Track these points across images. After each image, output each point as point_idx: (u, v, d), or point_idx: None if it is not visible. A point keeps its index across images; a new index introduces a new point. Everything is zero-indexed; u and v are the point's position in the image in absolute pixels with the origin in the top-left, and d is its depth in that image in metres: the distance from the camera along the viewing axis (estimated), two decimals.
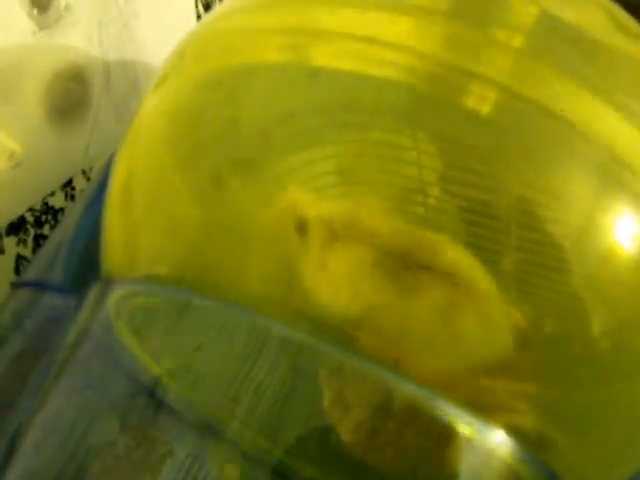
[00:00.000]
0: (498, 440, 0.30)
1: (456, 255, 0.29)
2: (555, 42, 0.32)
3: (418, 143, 0.29)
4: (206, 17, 0.38)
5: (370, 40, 0.31)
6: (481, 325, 0.29)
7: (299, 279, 0.30)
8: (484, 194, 0.29)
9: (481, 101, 0.29)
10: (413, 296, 0.29)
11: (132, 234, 0.35)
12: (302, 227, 0.30)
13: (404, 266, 0.29)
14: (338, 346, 0.29)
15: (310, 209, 0.30)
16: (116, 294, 0.34)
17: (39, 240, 0.52)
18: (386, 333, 0.29)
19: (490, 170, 0.29)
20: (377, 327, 0.29)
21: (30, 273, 0.45)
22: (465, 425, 0.29)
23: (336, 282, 0.30)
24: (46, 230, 0.53)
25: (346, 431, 0.33)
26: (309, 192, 0.30)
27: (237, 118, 0.32)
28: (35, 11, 0.48)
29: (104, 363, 0.36)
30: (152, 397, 0.36)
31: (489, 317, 0.29)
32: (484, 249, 0.29)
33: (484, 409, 0.29)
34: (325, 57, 0.31)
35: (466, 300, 0.29)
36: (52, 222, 0.53)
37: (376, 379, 0.30)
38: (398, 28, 0.31)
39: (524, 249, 0.29)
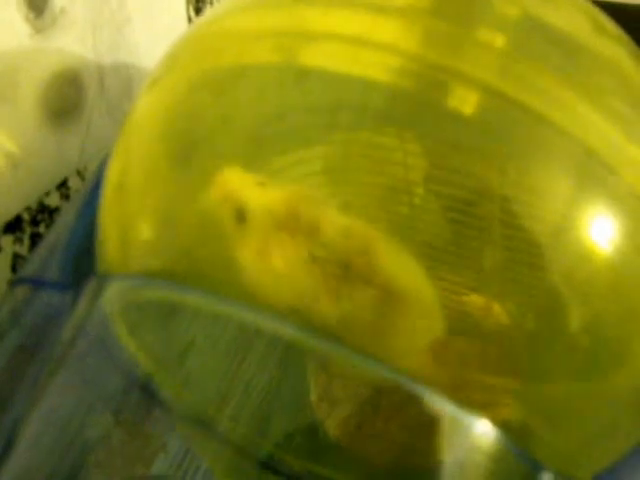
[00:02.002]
0: (482, 431, 0.30)
1: (394, 266, 0.29)
2: (536, 42, 0.32)
3: (404, 143, 0.30)
4: (197, 20, 0.39)
5: (357, 41, 0.31)
6: (415, 328, 0.30)
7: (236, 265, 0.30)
8: (468, 193, 0.29)
9: (465, 101, 0.30)
10: (348, 299, 0.29)
11: (126, 230, 0.35)
12: (241, 215, 0.30)
13: (341, 271, 0.29)
14: (326, 340, 0.29)
15: (250, 196, 0.30)
16: (111, 290, 0.34)
17: (35, 239, 0.52)
18: (323, 328, 0.29)
19: (474, 169, 0.29)
20: (313, 322, 0.29)
21: (27, 270, 0.45)
22: (450, 416, 0.30)
23: (273, 273, 0.30)
24: (42, 229, 0.53)
25: (333, 425, 0.34)
26: (250, 177, 0.30)
27: (228, 118, 0.32)
28: (31, 15, 0.48)
29: (99, 358, 0.36)
30: (146, 392, 0.36)
31: (423, 322, 0.29)
32: (467, 247, 0.29)
33: (468, 402, 0.30)
34: (313, 58, 0.32)
35: (399, 308, 0.29)
36: (48, 221, 0.53)
37: (362, 372, 0.31)
38: (384, 29, 0.32)
39: (507, 247, 0.29)
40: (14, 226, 0.51)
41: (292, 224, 0.29)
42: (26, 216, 0.51)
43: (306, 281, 0.29)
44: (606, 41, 0.34)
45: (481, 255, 0.29)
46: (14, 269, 0.51)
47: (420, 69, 0.31)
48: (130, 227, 0.35)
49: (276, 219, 0.29)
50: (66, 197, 0.55)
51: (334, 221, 0.29)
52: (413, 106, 0.30)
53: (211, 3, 0.69)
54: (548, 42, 0.32)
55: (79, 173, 0.56)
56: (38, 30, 0.49)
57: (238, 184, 0.30)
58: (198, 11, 0.68)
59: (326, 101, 0.31)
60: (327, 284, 0.29)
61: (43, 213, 0.53)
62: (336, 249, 0.29)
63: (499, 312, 0.29)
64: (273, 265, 0.29)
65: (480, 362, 0.30)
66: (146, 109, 0.36)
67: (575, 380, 0.31)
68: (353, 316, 0.29)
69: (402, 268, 0.29)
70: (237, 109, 0.32)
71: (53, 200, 0.54)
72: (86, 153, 0.56)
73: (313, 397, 0.34)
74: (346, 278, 0.29)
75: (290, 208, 0.29)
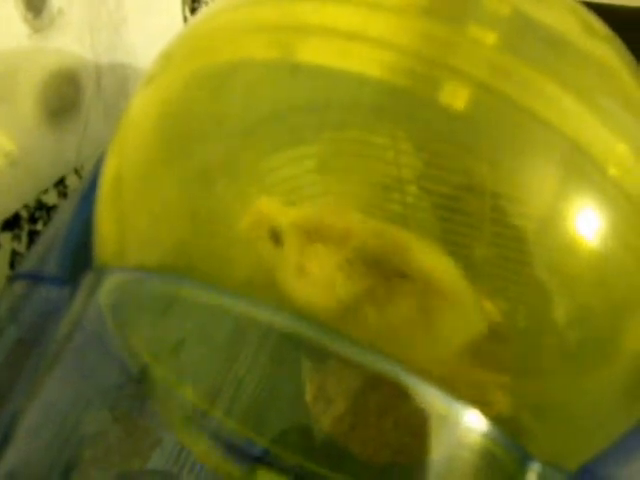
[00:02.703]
0: (473, 423, 0.30)
1: (429, 262, 0.29)
2: (527, 40, 0.33)
3: (396, 140, 0.30)
4: (192, 19, 0.39)
5: (350, 36, 0.31)
6: (454, 324, 0.30)
7: (280, 284, 0.30)
8: (459, 191, 0.29)
9: (456, 97, 0.30)
10: (388, 300, 0.29)
11: (123, 225, 0.35)
12: (276, 237, 0.30)
13: (378, 272, 0.29)
14: (321, 331, 0.30)
15: (281, 217, 0.30)
16: (108, 283, 0.34)
17: (33, 236, 0.52)
18: (363, 332, 0.29)
19: (465, 166, 0.30)
20: (353, 327, 0.29)
21: (25, 266, 0.45)
22: (442, 410, 0.30)
23: (314, 284, 0.30)
24: (40, 226, 0.53)
25: (328, 423, 0.34)
26: (279, 199, 0.30)
27: (221, 116, 0.32)
28: (30, 15, 0.48)
29: (97, 352, 0.36)
30: (143, 386, 0.37)
31: (462, 317, 0.30)
32: (458, 245, 0.29)
33: (459, 396, 0.30)
34: (307, 53, 0.32)
35: (438, 303, 0.29)
36: (46, 219, 0.53)
37: (357, 365, 0.31)
38: (378, 25, 0.32)
39: (497, 244, 0.29)
40: (12, 223, 0.51)
41: (323, 235, 0.29)
42: (24, 214, 0.51)
43: (347, 287, 0.29)
44: (595, 41, 0.35)
45: (472, 251, 0.29)
46: (12, 266, 0.51)
47: (412, 65, 0.31)
48: (127, 221, 0.35)
49: (308, 234, 0.30)
50: (64, 195, 0.55)
51: (362, 225, 0.29)
52: (405, 101, 0.31)
53: (206, 3, 0.69)
54: (538, 40, 0.33)
55: (76, 171, 0.56)
56: (36, 30, 0.49)
57: (268, 207, 0.30)
58: (194, 11, 0.68)
59: (320, 97, 0.31)
60: (367, 287, 0.29)
61: (41, 211, 0.53)
62: (370, 251, 0.29)
63: (490, 308, 0.29)
64: (313, 276, 0.30)
65: (474, 358, 0.30)
66: (142, 106, 0.36)
67: (564, 374, 0.31)
68: (394, 317, 0.29)
69: (437, 262, 0.29)
70: (231, 107, 0.32)
71: (51, 198, 0.54)
72: (83, 151, 0.56)
73: (308, 395, 0.34)
74: (384, 278, 0.29)
75: (319, 221, 0.30)
